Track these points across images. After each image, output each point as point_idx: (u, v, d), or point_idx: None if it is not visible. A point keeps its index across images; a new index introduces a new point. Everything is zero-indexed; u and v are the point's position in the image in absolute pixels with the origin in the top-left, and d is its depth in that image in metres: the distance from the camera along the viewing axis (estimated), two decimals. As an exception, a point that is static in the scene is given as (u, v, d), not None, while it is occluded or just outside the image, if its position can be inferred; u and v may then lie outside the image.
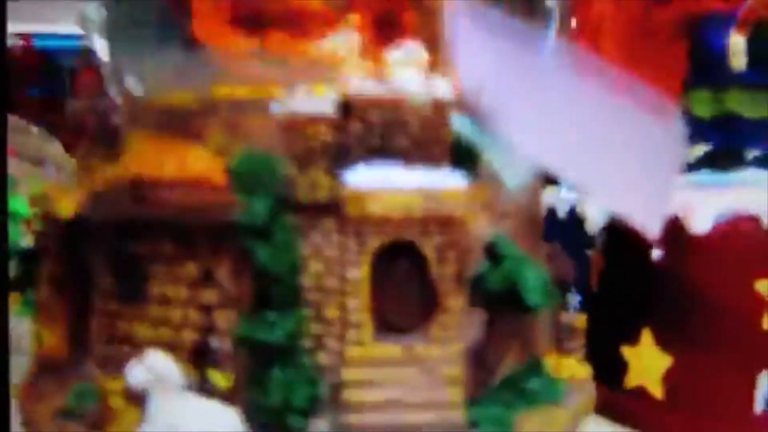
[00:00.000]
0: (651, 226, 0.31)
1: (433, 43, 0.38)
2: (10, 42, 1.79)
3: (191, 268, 0.33)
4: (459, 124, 0.34)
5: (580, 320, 0.44)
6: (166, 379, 0.30)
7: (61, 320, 0.35)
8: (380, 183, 0.31)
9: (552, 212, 0.56)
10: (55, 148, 0.62)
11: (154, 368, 0.29)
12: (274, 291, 0.30)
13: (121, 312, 0.35)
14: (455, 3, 0.34)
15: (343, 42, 0.41)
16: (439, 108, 0.32)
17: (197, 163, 0.33)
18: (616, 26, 0.54)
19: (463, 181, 0.32)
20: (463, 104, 0.33)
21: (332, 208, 0.31)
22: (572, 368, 0.41)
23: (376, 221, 0.31)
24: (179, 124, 0.34)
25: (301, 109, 0.32)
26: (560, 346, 0.42)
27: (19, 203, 0.59)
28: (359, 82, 0.32)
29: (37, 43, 1.80)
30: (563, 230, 0.54)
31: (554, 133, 0.33)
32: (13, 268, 0.58)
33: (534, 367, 0.37)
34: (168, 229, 0.33)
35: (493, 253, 0.35)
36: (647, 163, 0.31)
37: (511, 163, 0.36)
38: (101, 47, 0.41)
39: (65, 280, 0.35)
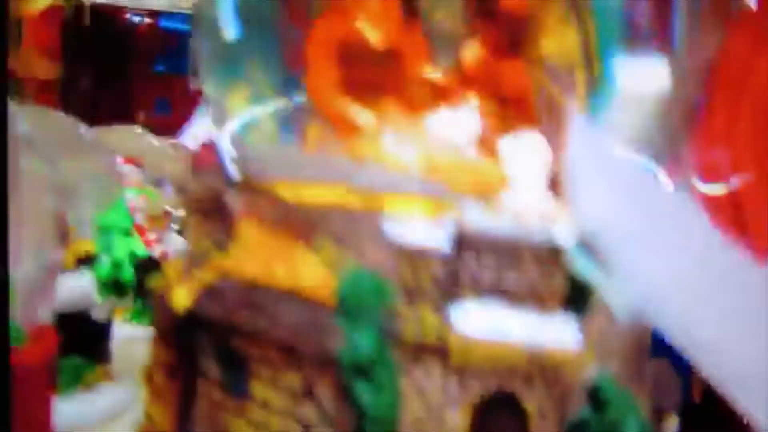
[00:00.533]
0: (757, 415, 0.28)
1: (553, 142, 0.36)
2: (137, 19, 1.89)
3: (294, 379, 0.33)
4: (574, 261, 0.32)
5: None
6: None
7: (171, 402, 0.37)
8: (489, 329, 0.30)
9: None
10: (175, 167, 0.65)
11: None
12: (372, 428, 0.30)
13: (225, 403, 0.36)
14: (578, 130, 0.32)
15: (461, 121, 0.40)
16: (557, 253, 0.30)
17: (308, 273, 0.33)
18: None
19: (574, 333, 0.30)
20: (580, 243, 0.31)
21: (438, 351, 0.30)
22: None
23: (481, 372, 0.30)
24: (294, 223, 0.34)
25: (413, 237, 0.31)
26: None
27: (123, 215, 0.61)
28: (476, 216, 0.31)
29: (163, 22, 1.89)
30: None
31: (670, 275, 0.30)
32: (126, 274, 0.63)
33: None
34: (274, 338, 0.33)
35: (595, 397, 0.33)
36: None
37: (624, 295, 0.34)
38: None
39: (176, 366, 0.37)
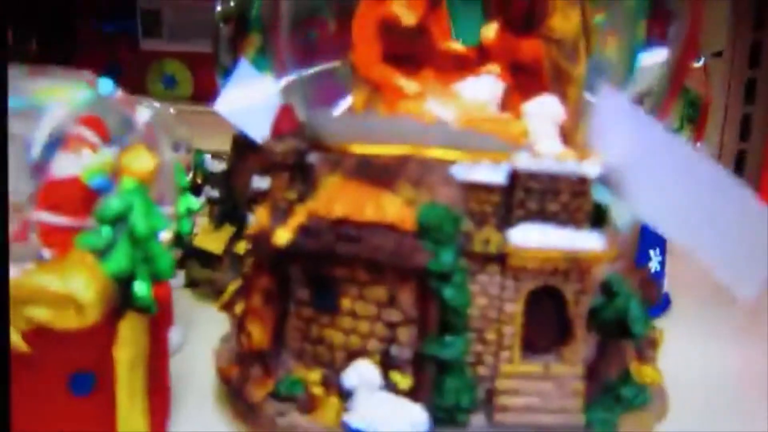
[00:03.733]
0: (741, 288, 0.40)
1: (566, 107, 0.46)
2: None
3: (380, 292, 0.42)
4: (597, 192, 0.42)
5: (658, 332, 0.53)
6: (371, 382, 0.40)
7: (268, 321, 0.45)
8: (536, 241, 0.40)
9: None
10: (183, 131, 0.70)
11: (364, 374, 0.40)
12: (452, 319, 0.40)
13: (316, 318, 0.44)
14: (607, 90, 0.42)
15: (486, 86, 0.50)
16: (584, 182, 0.41)
17: (392, 209, 0.42)
18: None
19: (598, 241, 0.41)
20: (602, 178, 0.42)
21: (498, 258, 0.40)
22: (651, 375, 0.51)
23: (531, 271, 0.40)
24: (374, 174, 0.43)
25: (477, 177, 0.41)
26: (641, 356, 0.52)
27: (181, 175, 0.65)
28: (525, 158, 0.40)
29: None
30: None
31: (671, 204, 0.41)
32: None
33: (626, 378, 0.47)
34: (363, 260, 0.42)
35: (607, 289, 0.44)
36: (751, 241, 0.39)
37: (626, 213, 0.45)
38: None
39: (272, 291, 0.45)
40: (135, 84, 1.91)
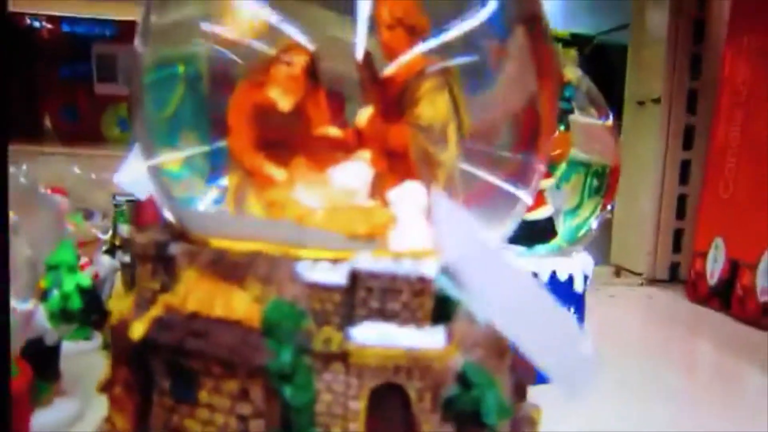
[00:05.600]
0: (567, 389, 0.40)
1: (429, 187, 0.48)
2: (37, 24, 1.86)
3: (233, 385, 0.43)
4: (440, 283, 0.43)
5: (536, 412, 0.54)
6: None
7: (129, 410, 0.46)
8: (377, 340, 0.41)
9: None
10: (99, 197, 0.72)
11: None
12: (295, 416, 0.41)
13: (177, 408, 0.45)
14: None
15: (356, 173, 0.51)
16: (424, 281, 0.42)
17: (240, 306, 0.43)
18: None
19: (440, 338, 0.42)
20: (444, 270, 0.43)
21: (341, 357, 0.41)
22: (527, 454, 0.52)
23: (373, 369, 0.41)
24: (226, 269, 0.44)
25: (318, 276, 0.42)
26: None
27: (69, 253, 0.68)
28: (365, 258, 0.42)
29: (65, 26, 1.87)
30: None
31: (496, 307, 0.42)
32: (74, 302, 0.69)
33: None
34: (216, 356, 0.43)
35: (463, 379, 0.45)
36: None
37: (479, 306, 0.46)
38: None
39: (132, 382, 0.46)
40: (91, 128, 1.94)
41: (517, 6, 0.55)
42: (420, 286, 0.42)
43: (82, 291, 0.62)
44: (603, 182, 0.95)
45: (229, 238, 0.45)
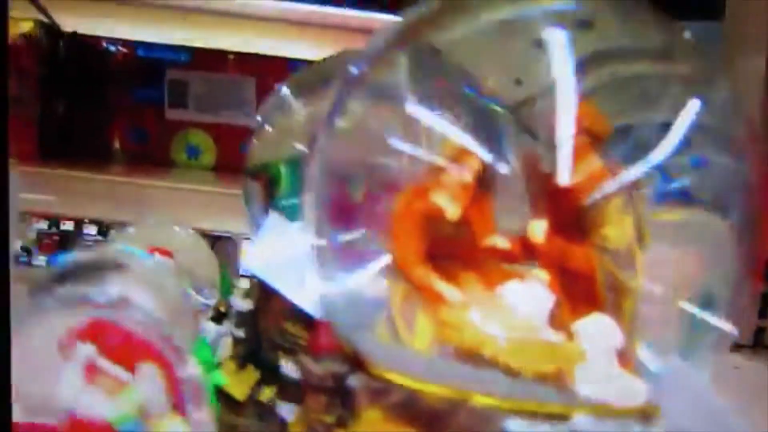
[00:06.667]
0: None
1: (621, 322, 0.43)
2: (113, 48, 1.87)
3: None
4: None
5: None
6: None
7: None
8: None
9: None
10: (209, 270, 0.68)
11: None
12: None
13: None
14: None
15: (534, 296, 0.46)
16: None
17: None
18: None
19: None
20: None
21: None
22: None
23: None
24: (421, 417, 0.40)
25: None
26: None
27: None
28: (585, 420, 0.37)
29: (140, 51, 1.87)
30: None
31: None
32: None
33: None
34: None
35: None
36: None
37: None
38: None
39: None
40: (160, 152, 1.95)
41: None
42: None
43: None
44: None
45: (416, 377, 0.41)
